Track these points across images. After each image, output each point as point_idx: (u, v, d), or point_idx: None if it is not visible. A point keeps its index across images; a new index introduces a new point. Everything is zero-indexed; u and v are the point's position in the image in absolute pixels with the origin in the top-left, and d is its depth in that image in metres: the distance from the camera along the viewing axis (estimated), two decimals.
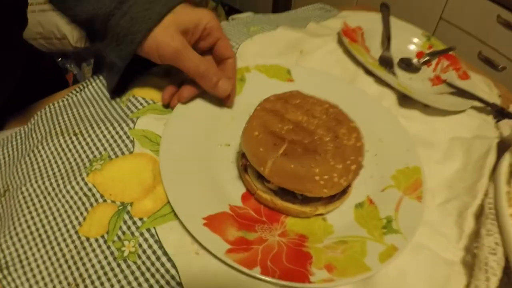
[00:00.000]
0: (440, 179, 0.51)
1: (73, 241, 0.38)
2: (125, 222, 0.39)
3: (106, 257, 0.37)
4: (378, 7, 0.79)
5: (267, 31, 0.66)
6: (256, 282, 0.36)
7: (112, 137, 0.46)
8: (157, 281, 0.36)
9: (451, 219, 0.46)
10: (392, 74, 0.65)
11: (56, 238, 0.39)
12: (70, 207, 0.41)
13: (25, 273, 0.37)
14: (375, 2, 0.89)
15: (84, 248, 0.38)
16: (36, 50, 0.81)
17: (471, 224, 0.46)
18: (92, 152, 0.45)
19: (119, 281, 0.36)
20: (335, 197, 0.42)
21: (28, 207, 0.41)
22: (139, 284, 0.36)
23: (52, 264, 0.37)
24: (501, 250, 0.41)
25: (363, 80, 0.61)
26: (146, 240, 0.38)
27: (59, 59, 1.59)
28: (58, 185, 0.43)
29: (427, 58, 0.72)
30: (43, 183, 0.43)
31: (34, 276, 0.37)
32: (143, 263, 0.37)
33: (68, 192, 0.42)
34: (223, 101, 0.52)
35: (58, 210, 0.41)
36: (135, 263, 0.37)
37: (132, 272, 0.36)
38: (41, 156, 0.46)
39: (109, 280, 0.36)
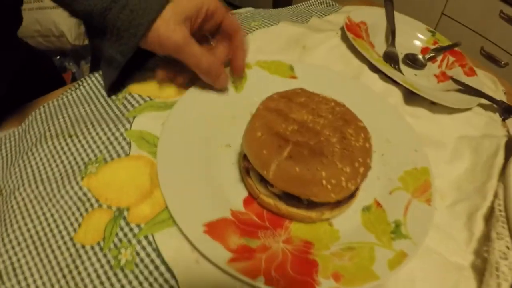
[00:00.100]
0: (448, 180, 0.50)
1: (68, 249, 0.37)
2: (121, 229, 0.37)
3: (102, 266, 0.36)
4: (380, 2, 0.77)
5: (268, 26, 0.65)
6: None
7: (108, 139, 0.45)
8: None
9: (460, 221, 0.45)
10: (398, 71, 0.64)
11: (50, 245, 0.37)
12: (65, 212, 0.39)
13: (18, 282, 0.35)
14: None
15: (80, 256, 0.36)
16: (32, 49, 0.79)
17: (481, 226, 0.45)
18: (88, 155, 0.44)
19: None
20: (342, 201, 0.40)
21: (21, 213, 0.40)
22: None
23: (46, 272, 0.36)
24: None
25: (368, 77, 0.59)
26: (143, 248, 0.36)
27: (58, 57, 1.58)
28: (52, 190, 0.41)
29: (432, 54, 0.70)
30: (37, 187, 0.41)
31: (28, 285, 0.35)
32: (141, 272, 0.35)
33: (62, 197, 0.40)
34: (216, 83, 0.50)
35: (52, 215, 0.39)
36: (132, 272, 0.35)
37: (130, 282, 0.35)
38: (35, 159, 0.44)
39: None
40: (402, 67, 0.67)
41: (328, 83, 0.55)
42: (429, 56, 0.70)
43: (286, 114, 0.41)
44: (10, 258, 0.37)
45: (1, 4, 0.55)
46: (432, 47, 0.72)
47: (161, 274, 0.35)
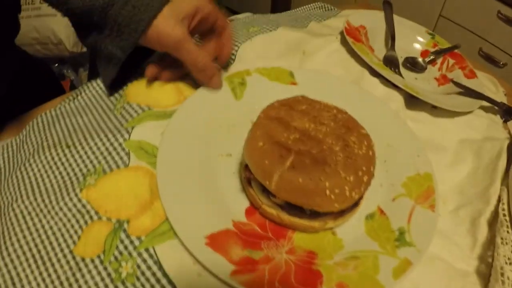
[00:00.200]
0: (451, 184, 0.49)
1: (68, 262, 0.36)
2: (121, 241, 0.37)
3: (103, 279, 0.35)
4: (378, 5, 0.77)
5: (267, 32, 0.64)
6: None
7: (107, 149, 0.44)
8: None
9: (464, 227, 0.45)
10: (399, 75, 0.63)
11: (50, 259, 0.37)
12: (64, 225, 0.39)
13: None
14: (374, 0, 0.88)
15: (80, 269, 0.36)
16: (29, 57, 0.79)
17: (485, 232, 0.44)
18: (86, 166, 0.43)
19: None
20: (346, 210, 0.40)
21: (20, 225, 0.39)
22: None
23: (46, 286, 0.35)
24: None
25: (369, 81, 0.59)
26: (144, 261, 0.36)
27: (56, 64, 1.57)
28: (50, 202, 0.40)
29: (432, 57, 0.70)
30: (35, 199, 0.41)
31: None
32: (142, 285, 0.35)
33: (61, 209, 0.40)
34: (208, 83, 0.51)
35: (51, 228, 0.39)
36: (133, 285, 0.35)
37: None
38: (32, 170, 0.44)
39: None
40: (403, 70, 0.67)
41: (328, 88, 0.54)
42: (429, 59, 0.70)
43: (287, 123, 0.40)
44: (9, 272, 0.36)
45: None
46: (432, 50, 0.72)
47: (163, 287, 0.34)
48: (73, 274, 0.35)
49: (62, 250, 0.37)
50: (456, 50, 0.72)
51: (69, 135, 0.47)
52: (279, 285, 0.34)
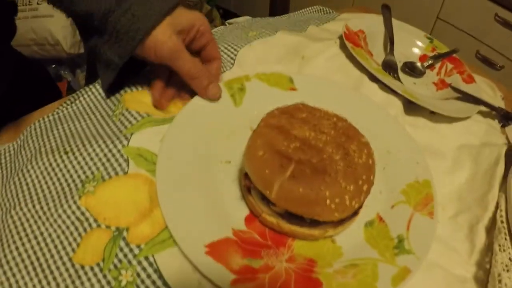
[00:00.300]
0: (449, 190, 0.49)
1: (67, 269, 0.36)
2: (121, 250, 0.37)
3: (102, 287, 0.35)
4: (375, 7, 0.77)
5: (266, 36, 0.64)
6: None
7: (105, 155, 0.44)
8: None
9: (462, 233, 0.45)
10: (397, 80, 0.63)
11: (49, 266, 0.36)
12: (63, 232, 0.38)
13: None
14: (371, 3, 0.88)
15: (79, 277, 0.36)
16: (25, 58, 0.78)
17: (483, 238, 0.44)
18: (84, 172, 0.43)
19: None
20: (346, 218, 0.40)
21: (18, 233, 0.39)
22: None
23: None
24: None
25: (368, 87, 0.59)
26: (144, 269, 0.36)
27: (53, 65, 1.57)
28: (49, 209, 0.40)
29: (430, 62, 0.70)
30: (33, 206, 0.41)
31: None
32: None
33: (60, 216, 0.39)
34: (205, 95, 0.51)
35: (50, 235, 0.38)
36: None
37: None
38: (30, 176, 0.44)
39: None
40: (401, 75, 0.67)
41: (328, 94, 0.54)
42: (428, 63, 0.70)
43: (287, 131, 0.40)
44: (8, 279, 0.36)
45: None
46: (431, 54, 0.72)
47: None
48: (73, 282, 0.35)
49: (61, 258, 0.37)
50: (454, 55, 0.72)
51: (67, 141, 0.46)
52: None
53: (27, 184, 0.43)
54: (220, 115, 0.50)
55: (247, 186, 0.40)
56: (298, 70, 0.61)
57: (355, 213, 0.40)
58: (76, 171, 0.43)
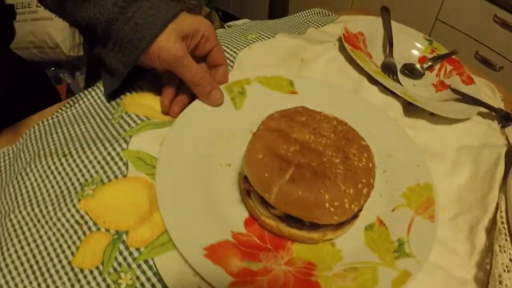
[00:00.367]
0: (449, 192, 0.49)
1: (66, 273, 0.36)
2: (120, 253, 0.37)
3: None
4: (373, 9, 0.77)
5: (265, 39, 0.64)
6: None
7: (104, 158, 0.44)
8: None
9: (462, 234, 0.45)
10: (397, 81, 0.63)
11: (48, 270, 0.36)
12: (62, 235, 0.38)
13: None
14: (369, 5, 0.88)
15: (79, 281, 0.35)
16: (24, 61, 0.78)
17: (483, 239, 0.44)
18: (83, 175, 0.43)
19: None
20: (345, 222, 0.39)
21: (17, 236, 0.39)
22: None
23: None
24: None
25: (368, 89, 0.59)
26: (144, 272, 0.36)
27: (52, 68, 1.57)
28: (48, 212, 0.40)
29: (430, 63, 0.70)
30: (32, 209, 0.41)
31: None
32: None
33: (59, 219, 0.39)
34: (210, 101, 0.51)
35: (49, 239, 0.38)
36: None
37: None
38: (29, 179, 0.44)
39: None
40: (401, 77, 0.67)
41: (328, 97, 0.54)
42: (427, 65, 0.70)
43: (287, 134, 0.40)
44: (7, 283, 0.36)
45: None
46: (430, 56, 0.72)
47: None
48: (72, 286, 0.35)
49: (60, 262, 0.37)
50: (453, 56, 0.72)
51: (66, 144, 0.46)
52: None
53: (26, 187, 0.43)
54: (221, 118, 0.50)
55: (247, 189, 0.40)
56: (298, 72, 0.61)
57: (355, 216, 0.40)
58: (75, 174, 0.43)
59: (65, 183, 0.42)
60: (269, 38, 0.64)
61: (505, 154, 0.53)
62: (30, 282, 0.36)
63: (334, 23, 0.76)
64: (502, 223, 0.45)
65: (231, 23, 0.75)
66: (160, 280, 0.35)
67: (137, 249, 0.37)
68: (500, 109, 0.62)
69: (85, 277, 0.36)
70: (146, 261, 0.36)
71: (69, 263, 0.37)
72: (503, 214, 0.45)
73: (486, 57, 1.42)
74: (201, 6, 2.02)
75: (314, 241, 0.40)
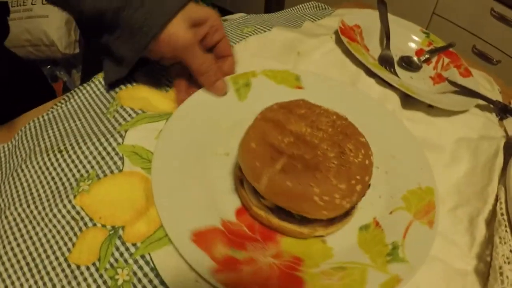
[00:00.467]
0: (448, 184, 0.49)
1: (63, 270, 0.36)
2: (117, 248, 0.36)
3: (99, 287, 0.34)
4: (370, 3, 0.77)
5: (261, 32, 0.64)
6: None
7: (100, 153, 0.43)
8: None
9: (462, 226, 0.45)
10: (394, 74, 0.63)
11: (45, 267, 0.36)
12: (58, 232, 0.38)
13: None
14: None
15: (75, 277, 0.35)
16: (20, 59, 0.78)
17: (483, 231, 0.44)
18: (79, 171, 0.42)
19: None
20: (337, 219, 0.39)
21: (13, 233, 0.38)
22: None
23: None
24: None
25: (365, 82, 0.58)
26: (141, 268, 0.35)
27: (48, 66, 1.56)
28: (44, 208, 0.40)
29: (427, 56, 0.70)
30: (28, 206, 0.40)
31: None
32: None
33: (55, 216, 0.39)
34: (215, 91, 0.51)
35: (45, 235, 0.38)
36: None
37: None
38: (24, 176, 0.43)
39: None
40: (398, 69, 0.67)
41: (335, 94, 0.53)
42: (424, 58, 0.70)
43: (283, 126, 0.39)
44: (4, 281, 0.35)
45: None
46: (427, 48, 0.72)
47: None
48: (69, 283, 0.35)
49: (57, 258, 0.36)
50: (450, 49, 0.72)
51: (61, 140, 0.46)
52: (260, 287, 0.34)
53: (21, 184, 0.43)
54: (223, 108, 0.49)
55: (240, 178, 0.40)
56: (294, 65, 0.60)
57: (347, 213, 0.40)
58: (70, 170, 0.42)
59: (60, 179, 0.42)
60: (265, 31, 0.64)
61: (504, 146, 0.53)
62: (27, 280, 0.35)
63: (330, 16, 0.75)
64: (502, 214, 0.44)
65: (227, 17, 0.74)
66: (157, 275, 0.35)
67: (134, 245, 0.37)
68: (498, 102, 0.62)
69: (81, 273, 0.35)
70: (143, 257, 0.36)
71: (66, 259, 0.36)
72: (503, 206, 0.45)
73: (483, 51, 1.42)
74: (198, 1, 2.01)
75: (303, 236, 0.39)
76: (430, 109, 0.57)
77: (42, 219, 0.39)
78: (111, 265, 0.36)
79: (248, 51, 0.60)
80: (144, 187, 0.40)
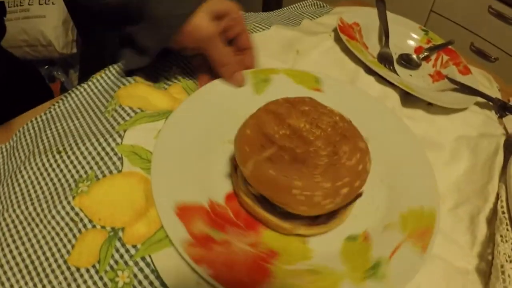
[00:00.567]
0: (448, 182, 0.49)
1: (62, 272, 0.35)
2: (117, 250, 0.36)
3: None
4: (367, 1, 0.76)
5: (260, 31, 0.64)
6: None
7: (99, 154, 0.43)
8: None
9: (463, 224, 0.45)
10: (393, 72, 0.63)
11: (44, 269, 0.36)
12: (57, 234, 0.37)
13: None
14: None
15: (75, 280, 0.35)
16: (17, 59, 0.77)
17: (484, 229, 0.44)
18: (78, 172, 0.42)
19: None
20: (319, 220, 0.38)
21: (12, 235, 0.38)
22: None
23: None
24: None
25: (364, 80, 0.58)
26: (141, 270, 0.35)
27: (46, 66, 1.55)
28: (42, 210, 0.39)
29: (426, 54, 0.70)
30: (27, 208, 0.40)
31: None
32: None
33: (54, 217, 0.38)
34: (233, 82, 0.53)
35: (44, 237, 0.37)
36: None
37: None
38: (22, 177, 0.43)
39: None
40: (397, 67, 0.67)
41: (354, 104, 0.52)
42: (423, 55, 0.70)
43: (283, 119, 0.39)
44: (3, 284, 0.35)
45: None
46: (426, 46, 0.72)
47: None
48: (68, 285, 0.34)
49: (56, 261, 0.36)
50: (449, 46, 0.71)
51: (59, 140, 0.45)
52: (225, 269, 0.34)
53: (19, 185, 0.42)
54: (238, 99, 0.50)
55: (235, 164, 0.40)
56: (293, 64, 0.60)
57: (331, 217, 0.39)
58: (69, 171, 0.42)
59: (59, 180, 0.42)
60: (264, 30, 0.64)
61: (504, 144, 0.53)
62: (26, 283, 0.35)
63: (329, 14, 0.75)
64: (503, 212, 0.44)
65: None
66: (158, 277, 0.34)
67: (134, 246, 0.36)
68: (497, 99, 0.62)
69: (81, 276, 0.35)
70: (143, 258, 0.35)
71: (65, 262, 0.36)
72: (504, 204, 0.45)
73: (481, 48, 1.42)
74: None
75: (285, 231, 0.39)
76: (429, 107, 0.57)
77: (41, 220, 0.39)
78: (111, 267, 0.35)
79: None
80: (144, 188, 0.40)
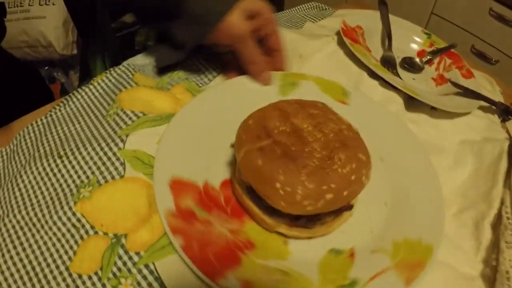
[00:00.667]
0: (452, 187, 0.49)
1: (64, 279, 0.35)
2: (120, 257, 0.35)
3: None
4: (369, 4, 0.76)
5: None
6: None
7: (100, 159, 0.42)
8: None
9: (467, 230, 0.44)
10: (396, 75, 0.63)
11: (45, 276, 0.35)
12: (59, 240, 0.37)
13: None
14: None
15: (77, 287, 0.34)
16: (17, 60, 0.77)
17: (489, 235, 0.44)
18: (79, 177, 0.41)
19: None
20: (299, 222, 0.38)
21: (12, 241, 0.38)
22: None
23: None
24: None
25: (368, 84, 0.58)
26: (145, 277, 0.34)
27: (46, 67, 1.55)
28: (44, 216, 0.39)
29: (429, 57, 0.70)
30: (28, 213, 0.39)
31: None
32: None
33: (55, 223, 0.38)
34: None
35: (45, 243, 0.37)
36: None
37: None
38: (23, 182, 0.42)
39: None
40: (400, 71, 0.66)
41: (376, 121, 0.51)
42: (426, 59, 0.69)
43: (287, 117, 0.40)
44: None
45: None
46: (429, 49, 0.71)
47: None
48: None
49: (58, 267, 0.35)
50: (452, 50, 0.71)
51: (61, 145, 0.45)
52: (198, 245, 0.35)
53: (19, 190, 0.42)
54: (262, 97, 0.49)
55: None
56: (296, 69, 0.60)
57: (313, 221, 0.38)
58: (70, 176, 0.42)
59: (60, 185, 0.41)
60: None
61: (508, 148, 0.53)
62: None
63: (331, 17, 0.75)
64: (508, 218, 0.44)
65: None
66: (162, 285, 0.34)
67: (137, 253, 0.36)
68: (500, 103, 0.62)
69: (83, 283, 0.34)
70: (146, 266, 0.35)
71: (67, 268, 0.35)
72: (508, 210, 0.45)
73: (482, 51, 1.42)
74: None
75: (267, 225, 0.39)
76: (433, 111, 0.57)
77: (42, 226, 0.38)
78: (114, 274, 0.35)
79: None
80: (147, 193, 0.40)
